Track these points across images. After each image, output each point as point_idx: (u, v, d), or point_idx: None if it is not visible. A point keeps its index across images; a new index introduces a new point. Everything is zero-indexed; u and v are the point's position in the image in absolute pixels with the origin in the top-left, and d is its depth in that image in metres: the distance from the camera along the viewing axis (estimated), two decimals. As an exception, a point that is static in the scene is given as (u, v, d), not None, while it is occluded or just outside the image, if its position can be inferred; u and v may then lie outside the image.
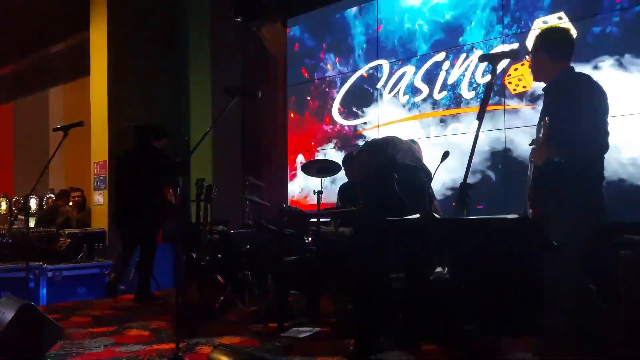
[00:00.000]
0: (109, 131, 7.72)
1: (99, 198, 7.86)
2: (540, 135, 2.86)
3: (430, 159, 4.32)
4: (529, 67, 3.28)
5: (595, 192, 2.94)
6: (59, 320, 4.23)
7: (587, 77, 3.05)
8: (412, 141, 4.22)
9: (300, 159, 7.52)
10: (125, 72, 7.96)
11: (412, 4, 6.51)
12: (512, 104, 5.63)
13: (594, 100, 2.92)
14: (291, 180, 7.67)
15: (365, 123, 6.95)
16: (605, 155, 3.01)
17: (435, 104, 6.26)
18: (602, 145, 2.92)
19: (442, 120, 6.19)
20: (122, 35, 7.97)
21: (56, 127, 4.59)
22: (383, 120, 6.75)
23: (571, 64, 3.14)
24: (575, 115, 2.86)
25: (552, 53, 3.08)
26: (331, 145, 7.29)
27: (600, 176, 3.01)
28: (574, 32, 5.18)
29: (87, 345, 4.11)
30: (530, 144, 3.01)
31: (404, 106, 6.55)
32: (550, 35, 3.15)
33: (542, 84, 3.20)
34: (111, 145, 7.66)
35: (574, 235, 2.82)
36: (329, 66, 7.39)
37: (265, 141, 7.96)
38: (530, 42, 5.53)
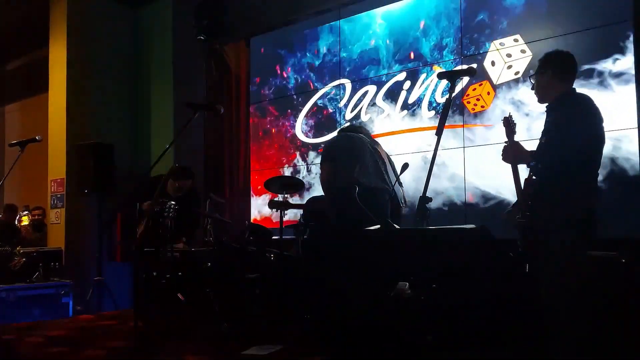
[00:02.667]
0: (67, 148, 7.56)
1: (56, 216, 7.68)
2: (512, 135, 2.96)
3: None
4: (531, 89, 3.32)
5: (585, 208, 2.96)
6: (13, 341, 4.12)
7: (587, 98, 3.14)
8: (375, 142, 4.24)
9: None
10: (85, 88, 7.82)
11: (373, 24, 6.62)
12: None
13: (587, 118, 3.00)
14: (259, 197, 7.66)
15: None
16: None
17: (396, 122, 6.36)
18: (588, 159, 2.97)
19: (405, 137, 6.28)
20: (81, 51, 7.83)
21: (12, 142, 4.53)
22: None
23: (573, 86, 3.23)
24: (567, 129, 2.93)
25: (558, 75, 3.18)
26: (293, 162, 7.31)
27: (591, 190, 3.03)
28: (530, 54, 5.37)
29: (42, 366, 4.01)
30: (504, 142, 3.06)
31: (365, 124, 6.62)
32: (557, 58, 3.25)
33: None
34: (69, 162, 7.50)
35: (560, 252, 2.87)
36: (291, 84, 7.44)
37: (228, 158, 7.93)
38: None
